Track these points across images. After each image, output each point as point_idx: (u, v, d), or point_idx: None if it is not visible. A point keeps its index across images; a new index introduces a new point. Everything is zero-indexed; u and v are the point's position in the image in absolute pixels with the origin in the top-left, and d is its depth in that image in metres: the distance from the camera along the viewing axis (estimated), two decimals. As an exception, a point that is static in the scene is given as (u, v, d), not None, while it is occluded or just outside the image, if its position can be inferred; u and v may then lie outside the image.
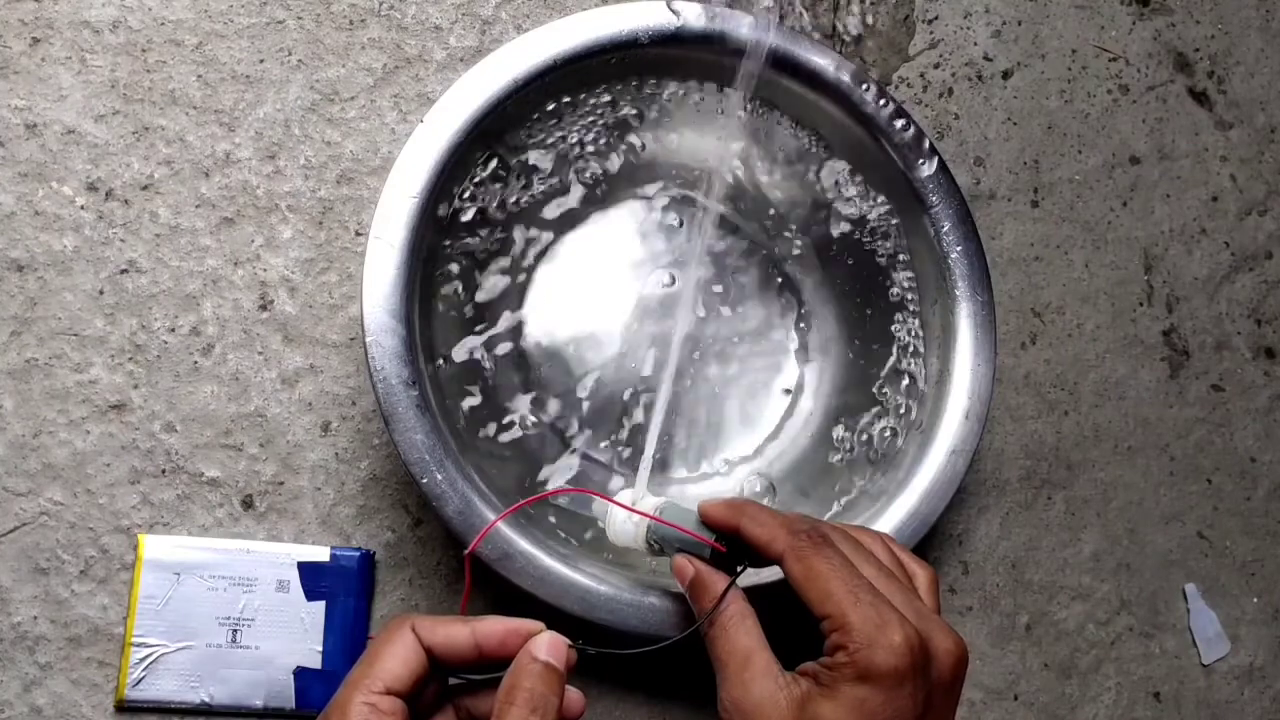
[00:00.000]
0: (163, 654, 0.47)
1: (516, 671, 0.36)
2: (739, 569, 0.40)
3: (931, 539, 0.52)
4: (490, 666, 0.37)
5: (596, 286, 0.52)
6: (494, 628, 0.37)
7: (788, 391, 0.54)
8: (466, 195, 0.49)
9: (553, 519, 0.48)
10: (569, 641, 0.37)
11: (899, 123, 0.51)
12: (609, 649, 0.38)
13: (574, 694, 0.37)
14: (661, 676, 0.51)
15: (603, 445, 0.51)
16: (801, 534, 0.38)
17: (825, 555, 0.37)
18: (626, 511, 0.44)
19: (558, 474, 0.50)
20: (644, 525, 0.43)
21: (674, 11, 0.48)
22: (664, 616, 0.45)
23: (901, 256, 0.53)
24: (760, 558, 0.40)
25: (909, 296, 0.53)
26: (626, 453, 0.51)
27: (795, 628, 0.39)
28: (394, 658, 0.36)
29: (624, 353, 0.52)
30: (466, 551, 0.42)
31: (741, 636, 0.38)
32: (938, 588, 0.41)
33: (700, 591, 0.40)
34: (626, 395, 0.52)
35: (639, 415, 0.52)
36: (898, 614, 0.36)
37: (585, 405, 0.51)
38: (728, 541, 0.40)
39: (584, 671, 0.37)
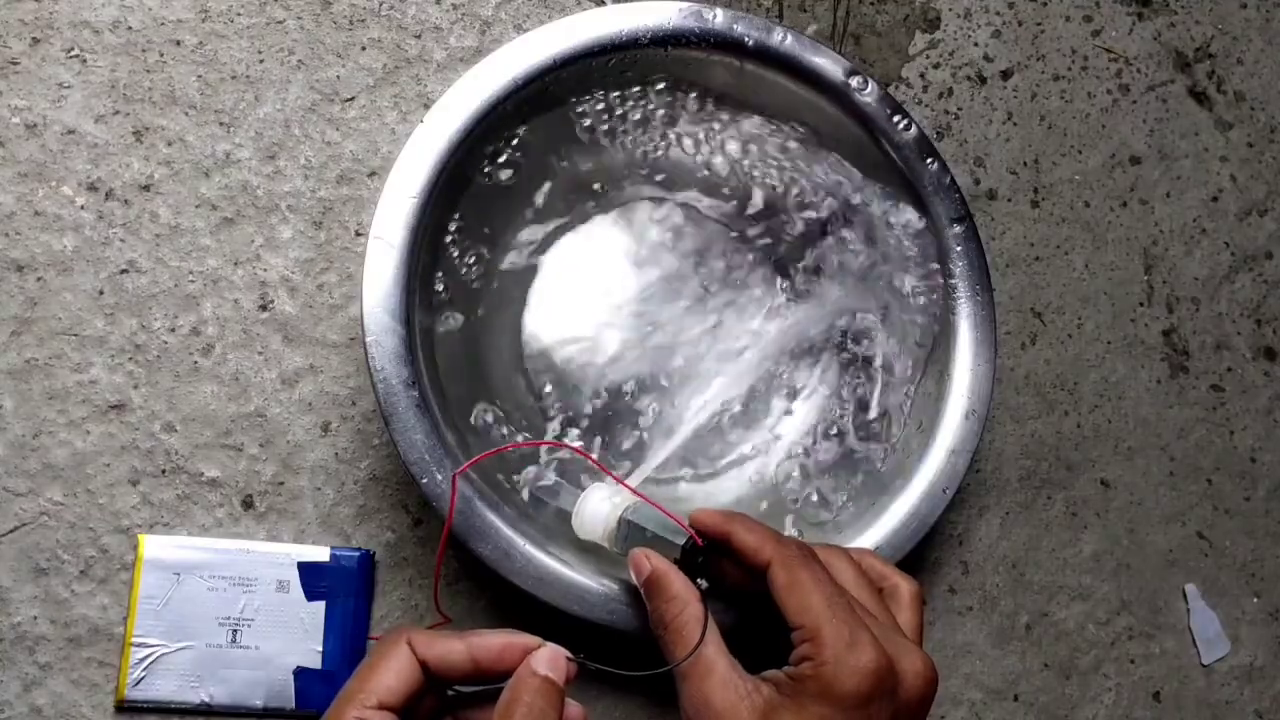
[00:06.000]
0: (163, 654, 0.47)
1: (515, 685, 0.35)
2: (700, 580, 0.40)
3: (931, 539, 0.52)
4: (489, 680, 0.37)
5: (594, 289, 0.52)
6: (491, 642, 0.36)
7: (788, 394, 0.54)
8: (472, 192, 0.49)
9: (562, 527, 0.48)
10: (569, 654, 0.37)
11: (899, 122, 0.51)
12: (608, 667, 0.37)
13: (574, 707, 0.37)
14: (661, 678, 0.51)
15: (595, 444, 0.51)
16: (790, 544, 0.39)
17: (810, 568, 0.38)
18: (601, 496, 0.44)
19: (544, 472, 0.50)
20: (617, 512, 0.43)
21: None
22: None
23: (901, 256, 0.53)
24: (735, 572, 0.40)
25: (908, 297, 0.53)
26: (624, 455, 0.51)
27: (761, 634, 0.39)
28: (388, 671, 0.35)
29: (622, 356, 0.52)
30: (455, 472, 0.42)
31: (694, 636, 0.38)
32: (920, 603, 0.42)
33: (656, 589, 0.40)
34: (624, 398, 0.52)
35: (639, 419, 0.52)
36: (870, 635, 0.36)
37: (583, 407, 0.51)
38: (704, 548, 0.40)
39: (582, 673, 0.37)
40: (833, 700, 0.35)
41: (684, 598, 0.39)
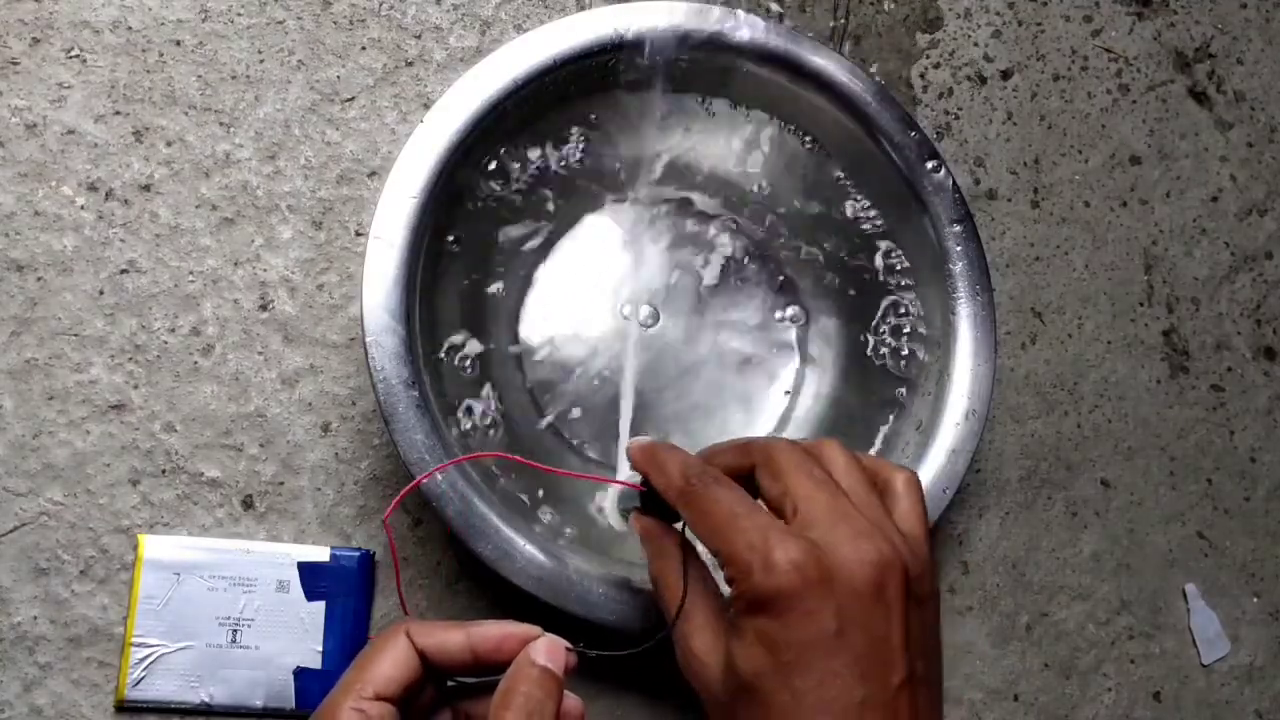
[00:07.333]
0: (163, 654, 0.47)
1: (513, 676, 0.35)
2: (680, 523, 0.39)
3: (932, 539, 0.52)
4: (488, 670, 0.37)
5: (591, 288, 0.52)
6: (490, 632, 0.36)
7: (788, 393, 0.54)
8: (472, 190, 0.49)
9: (565, 528, 0.48)
10: (568, 645, 0.36)
11: (898, 122, 0.51)
12: (608, 650, 0.37)
13: (572, 699, 0.36)
14: (660, 675, 0.51)
15: (597, 444, 0.51)
16: (692, 478, 0.37)
17: (711, 491, 0.36)
18: (611, 500, 0.45)
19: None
20: (616, 506, 0.45)
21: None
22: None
23: (901, 257, 0.53)
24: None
25: (909, 297, 0.53)
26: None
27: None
28: (386, 662, 0.35)
29: (618, 353, 0.52)
30: (402, 492, 0.43)
31: (679, 586, 0.37)
32: (918, 490, 0.40)
33: (646, 548, 0.40)
34: (618, 391, 0.52)
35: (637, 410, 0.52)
36: (780, 531, 0.34)
37: (584, 406, 0.51)
38: (648, 491, 0.40)
39: (582, 671, 0.37)
40: (759, 610, 0.33)
41: (670, 552, 0.39)
